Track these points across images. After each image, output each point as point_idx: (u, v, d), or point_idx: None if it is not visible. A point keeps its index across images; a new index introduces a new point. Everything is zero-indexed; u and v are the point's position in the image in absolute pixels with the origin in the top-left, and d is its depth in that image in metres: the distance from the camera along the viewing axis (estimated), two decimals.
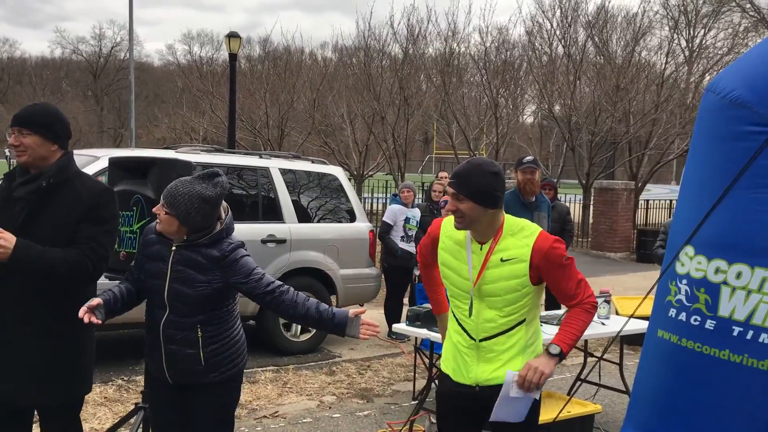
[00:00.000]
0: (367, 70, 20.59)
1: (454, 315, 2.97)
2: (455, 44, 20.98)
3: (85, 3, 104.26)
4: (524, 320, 2.86)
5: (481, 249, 2.84)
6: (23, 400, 3.02)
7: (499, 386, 2.82)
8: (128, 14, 21.57)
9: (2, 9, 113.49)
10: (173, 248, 2.93)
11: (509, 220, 2.86)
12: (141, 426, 3.55)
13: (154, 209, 2.97)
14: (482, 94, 22.26)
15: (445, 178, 9.70)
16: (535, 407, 2.90)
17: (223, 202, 3.01)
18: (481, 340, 2.88)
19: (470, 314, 2.88)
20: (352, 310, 3.03)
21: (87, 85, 76.36)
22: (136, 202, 3.80)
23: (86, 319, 2.79)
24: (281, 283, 2.99)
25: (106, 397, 5.45)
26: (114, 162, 3.94)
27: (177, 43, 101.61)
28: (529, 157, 5.85)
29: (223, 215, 3.01)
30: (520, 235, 2.82)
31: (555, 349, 2.79)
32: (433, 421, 5.03)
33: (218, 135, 24.26)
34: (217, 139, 23.88)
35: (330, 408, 5.61)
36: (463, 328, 2.93)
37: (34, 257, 2.84)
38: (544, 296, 3.12)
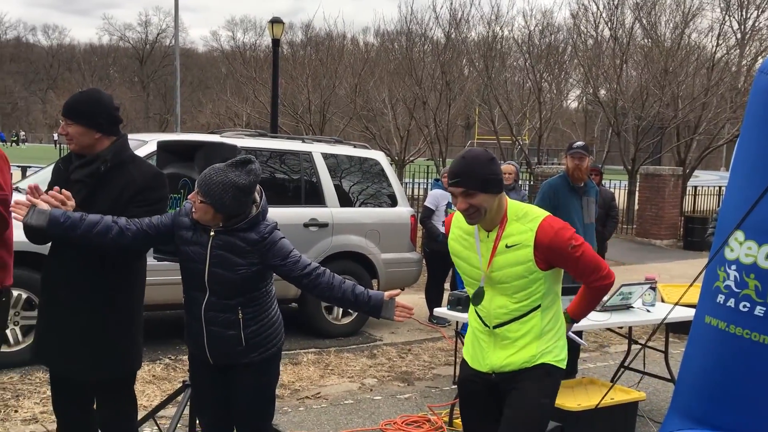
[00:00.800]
0: (408, 54, 20.51)
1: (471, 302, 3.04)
2: (498, 28, 20.73)
3: None
4: (539, 306, 2.88)
5: (488, 236, 2.88)
6: (81, 375, 3.12)
7: (513, 372, 2.90)
8: (173, 1, 21.82)
9: None
10: (212, 234, 2.96)
11: (513, 206, 2.89)
12: (188, 403, 3.64)
13: (189, 197, 3.01)
14: (525, 79, 21.96)
15: None
16: (546, 411, 2.92)
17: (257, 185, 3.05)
18: (494, 327, 2.92)
19: (482, 301, 2.94)
20: (387, 293, 3.05)
21: (133, 71, 77.77)
22: (183, 185, 3.87)
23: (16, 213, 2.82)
24: (318, 265, 3.02)
25: (154, 375, 5.60)
26: (162, 146, 4.01)
27: (221, 29, 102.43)
28: (580, 143, 5.77)
29: (258, 198, 3.03)
30: (525, 219, 2.84)
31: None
32: None
33: (261, 120, 24.50)
34: (259, 125, 24.11)
35: (371, 390, 5.66)
36: (478, 315, 2.99)
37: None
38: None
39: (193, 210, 2.96)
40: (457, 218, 3.02)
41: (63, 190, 2.95)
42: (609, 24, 20.86)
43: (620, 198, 13.71)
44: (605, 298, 5.30)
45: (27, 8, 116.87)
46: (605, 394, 4.22)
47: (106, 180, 3.08)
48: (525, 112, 21.34)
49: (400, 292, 3.16)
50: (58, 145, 34.76)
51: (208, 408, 3.21)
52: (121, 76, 77.47)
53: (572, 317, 3.09)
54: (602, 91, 20.25)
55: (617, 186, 16.63)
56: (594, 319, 4.85)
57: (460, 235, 2.98)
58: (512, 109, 20.65)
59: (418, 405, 5.36)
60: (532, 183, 16.73)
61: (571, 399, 4.53)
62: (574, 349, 5.87)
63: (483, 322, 2.95)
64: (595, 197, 5.85)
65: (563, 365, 2.97)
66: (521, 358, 2.90)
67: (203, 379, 3.18)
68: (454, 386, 5.77)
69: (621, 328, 5.56)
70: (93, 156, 3.08)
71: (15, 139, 36.73)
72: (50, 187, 3.11)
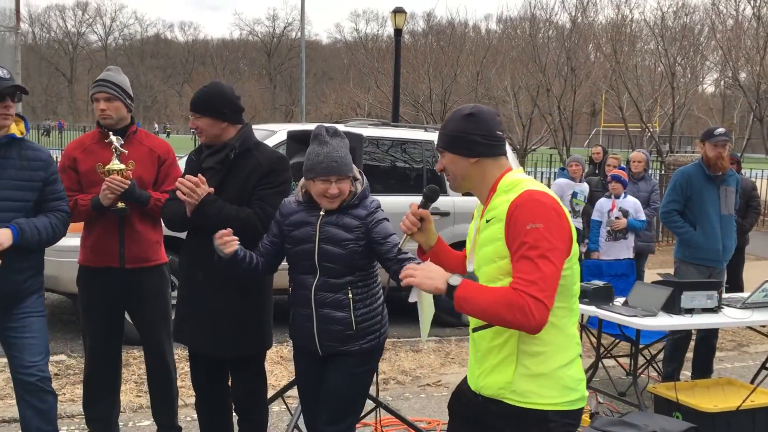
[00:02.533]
0: (532, 40, 20.07)
1: None
2: (628, 10, 19.87)
3: None
4: None
5: (479, 212, 2.38)
6: (221, 352, 3.30)
7: (494, 402, 2.22)
8: None
9: None
10: (321, 213, 3.01)
11: (508, 178, 2.26)
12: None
13: (330, 190, 2.96)
14: (657, 63, 20.92)
15: (597, 153, 9.38)
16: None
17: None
18: (473, 330, 2.31)
19: None
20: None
21: (261, 64, 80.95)
22: None
23: (227, 246, 2.94)
24: (413, 257, 2.93)
25: (281, 356, 5.82)
26: (292, 135, 4.15)
27: (344, 21, 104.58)
28: (721, 129, 5.40)
29: (360, 176, 3.10)
30: (513, 191, 2.19)
31: (455, 280, 2.14)
32: (600, 401, 4.89)
33: (382, 110, 24.80)
34: (380, 114, 24.42)
35: None
36: None
37: (215, 212, 3.12)
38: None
39: (326, 198, 2.99)
40: None
41: (197, 176, 3.14)
42: (751, 2, 19.43)
43: (762, 188, 12.78)
44: (745, 294, 4.98)
45: (166, 6, 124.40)
46: (746, 397, 3.97)
47: (235, 166, 3.26)
48: (656, 98, 20.33)
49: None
50: (195, 136, 36.77)
51: (312, 400, 3.16)
52: (249, 69, 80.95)
53: (456, 294, 2.12)
54: (743, 74, 18.95)
55: (759, 176, 15.51)
56: (734, 317, 4.57)
57: (474, 213, 2.48)
58: (642, 95, 19.74)
59: None
60: (663, 172, 15.93)
61: (707, 400, 4.29)
62: (709, 347, 5.56)
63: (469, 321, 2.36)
64: (735, 187, 5.48)
65: (572, 406, 2.19)
66: (495, 381, 2.22)
67: (309, 373, 3.15)
68: None
69: (764, 326, 5.20)
70: (222, 144, 3.27)
71: (44, 130, 37.54)
72: (183, 174, 3.30)
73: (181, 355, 5.58)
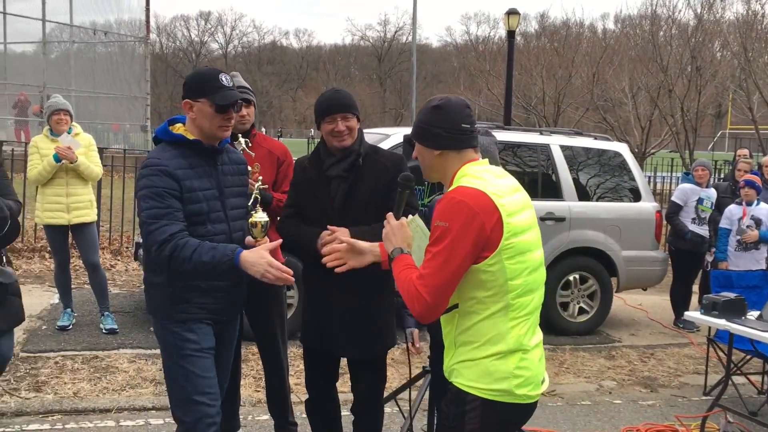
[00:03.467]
0: (653, 39, 19.18)
1: None
2: (759, 5, 18.61)
3: None
4: (456, 306, 2.29)
5: None
6: (352, 353, 3.32)
7: (454, 389, 2.32)
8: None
9: (304, 1, 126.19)
10: None
11: (462, 171, 2.32)
12: (428, 388, 3.74)
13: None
14: None
15: (745, 156, 8.73)
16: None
17: None
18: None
19: None
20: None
21: (372, 68, 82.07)
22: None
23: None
24: None
25: (392, 359, 5.84)
26: (408, 139, 4.16)
27: (455, 24, 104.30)
28: None
29: None
30: (453, 186, 2.30)
31: (395, 253, 2.36)
32: (730, 420, 4.60)
33: (493, 113, 24.50)
34: (491, 117, 24.13)
35: (610, 393, 5.40)
36: None
37: (367, 238, 2.93)
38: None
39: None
40: None
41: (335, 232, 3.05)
42: None
43: None
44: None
45: (282, 14, 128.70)
46: None
47: (360, 171, 3.23)
48: None
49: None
50: (312, 139, 37.61)
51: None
52: (360, 73, 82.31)
53: (391, 265, 2.37)
54: None
55: None
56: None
57: None
58: None
59: (663, 414, 5.01)
60: None
61: None
62: None
63: None
64: None
65: (495, 396, 2.24)
66: (445, 363, 2.39)
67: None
68: (704, 397, 5.32)
69: None
70: (346, 151, 3.22)
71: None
72: (297, 184, 3.30)
73: (294, 353, 5.71)
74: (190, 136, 2.87)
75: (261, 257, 2.72)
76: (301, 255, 3.34)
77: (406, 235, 2.41)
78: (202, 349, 2.85)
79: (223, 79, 2.87)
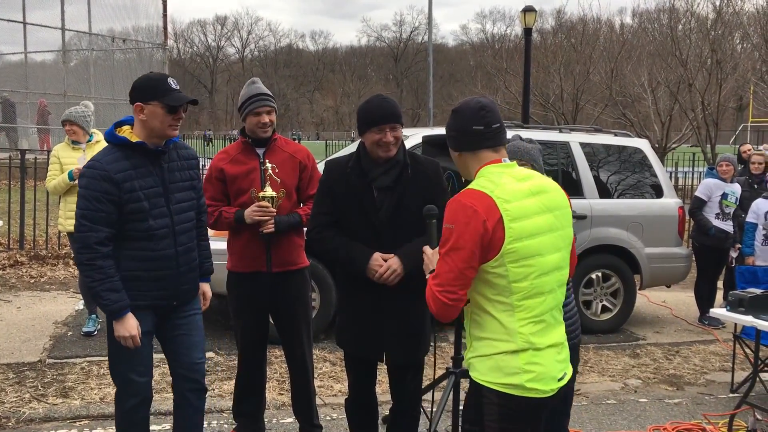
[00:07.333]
0: (672, 33, 18.99)
1: None
2: None
3: None
4: (468, 302, 2.40)
5: None
6: (395, 358, 3.31)
7: (473, 382, 2.42)
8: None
9: (322, 3, 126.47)
10: None
11: (481, 172, 2.41)
12: (452, 390, 3.72)
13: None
14: None
15: (749, 151, 8.64)
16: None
17: None
18: None
19: None
20: None
21: (388, 69, 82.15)
22: (447, 177, 3.97)
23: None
24: None
25: None
26: (427, 140, 4.16)
27: (470, 23, 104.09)
28: None
29: None
30: (471, 185, 2.42)
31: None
32: (759, 417, 4.54)
33: (510, 111, 24.38)
34: (509, 115, 24.03)
35: (635, 392, 5.35)
36: None
37: (417, 260, 2.91)
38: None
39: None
40: None
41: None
42: None
43: None
44: None
45: (300, 16, 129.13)
46: None
47: (406, 180, 3.17)
48: None
49: None
50: (351, 140, 37.80)
51: None
52: (377, 74, 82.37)
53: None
54: None
55: None
56: None
57: None
58: None
59: (690, 412, 4.95)
60: None
61: None
62: None
63: None
64: None
65: (508, 390, 2.32)
66: (465, 359, 2.51)
67: None
68: (731, 395, 5.26)
69: None
70: (392, 161, 3.15)
71: (208, 140, 37.40)
72: (336, 193, 3.19)
73: (318, 356, 5.73)
74: (135, 139, 3.03)
75: None
76: (345, 267, 3.28)
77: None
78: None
79: (172, 83, 3.07)
